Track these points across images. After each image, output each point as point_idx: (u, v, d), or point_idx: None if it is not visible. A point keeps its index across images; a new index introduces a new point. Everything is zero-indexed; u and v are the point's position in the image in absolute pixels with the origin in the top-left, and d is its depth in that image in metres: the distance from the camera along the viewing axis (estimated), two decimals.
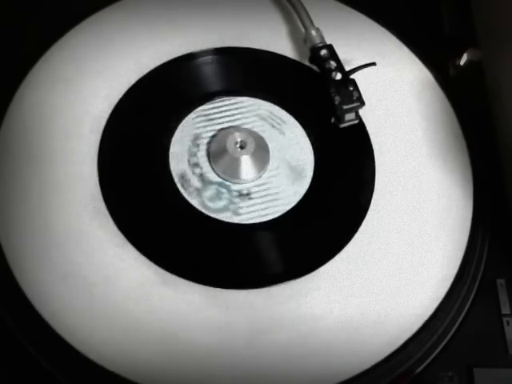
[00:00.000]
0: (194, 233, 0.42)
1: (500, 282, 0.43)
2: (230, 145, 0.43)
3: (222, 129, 0.45)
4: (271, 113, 0.46)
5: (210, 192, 0.43)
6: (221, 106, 0.46)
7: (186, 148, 0.44)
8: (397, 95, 0.47)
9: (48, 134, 0.43)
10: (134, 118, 0.45)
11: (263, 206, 0.43)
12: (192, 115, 0.45)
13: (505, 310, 0.42)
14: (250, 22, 0.49)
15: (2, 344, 0.38)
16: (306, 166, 0.45)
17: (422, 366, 0.40)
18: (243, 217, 0.42)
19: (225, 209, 0.42)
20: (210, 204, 0.42)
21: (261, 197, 0.43)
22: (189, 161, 0.44)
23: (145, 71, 0.46)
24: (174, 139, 0.44)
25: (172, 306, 0.39)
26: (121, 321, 0.38)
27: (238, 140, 0.44)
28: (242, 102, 0.46)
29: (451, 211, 0.44)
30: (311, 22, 0.47)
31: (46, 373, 0.38)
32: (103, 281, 0.39)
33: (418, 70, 0.49)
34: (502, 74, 0.48)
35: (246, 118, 0.46)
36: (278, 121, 0.46)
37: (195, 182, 0.43)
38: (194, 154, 0.44)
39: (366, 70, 0.45)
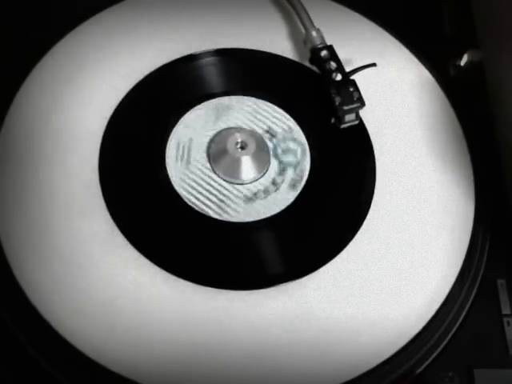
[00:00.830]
0: (195, 234, 0.42)
1: (500, 282, 0.43)
2: (230, 145, 0.43)
3: (222, 129, 0.45)
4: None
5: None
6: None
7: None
8: (397, 95, 0.47)
9: (49, 135, 0.43)
10: (134, 119, 0.45)
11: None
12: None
13: (505, 311, 0.42)
14: (251, 23, 0.49)
15: (2, 344, 0.38)
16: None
17: (423, 367, 0.40)
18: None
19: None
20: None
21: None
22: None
23: (145, 72, 0.46)
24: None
25: (172, 307, 0.39)
26: (121, 321, 0.38)
27: (239, 140, 0.44)
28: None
29: (451, 211, 0.44)
30: (311, 22, 0.47)
31: (46, 373, 0.38)
32: (103, 281, 0.39)
33: (418, 70, 0.49)
34: (503, 74, 0.48)
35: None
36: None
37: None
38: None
39: (366, 70, 0.45)
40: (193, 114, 0.45)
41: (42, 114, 0.44)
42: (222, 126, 0.45)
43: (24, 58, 0.45)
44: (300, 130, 0.46)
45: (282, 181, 0.44)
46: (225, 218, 0.42)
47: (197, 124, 0.45)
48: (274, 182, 0.44)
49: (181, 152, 0.44)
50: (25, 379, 0.38)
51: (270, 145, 0.45)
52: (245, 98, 0.46)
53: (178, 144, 0.44)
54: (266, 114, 0.46)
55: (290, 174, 0.44)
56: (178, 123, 0.45)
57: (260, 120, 0.46)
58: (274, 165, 0.44)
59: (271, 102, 0.46)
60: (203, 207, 0.42)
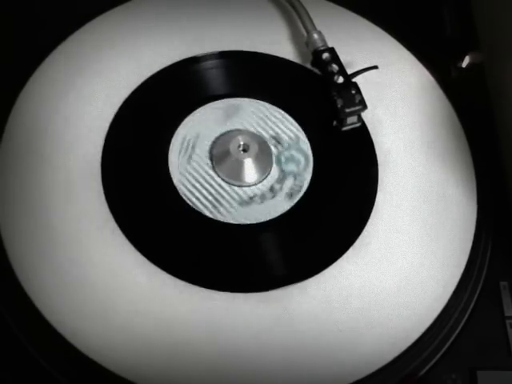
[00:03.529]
0: (196, 235, 0.42)
1: (503, 284, 0.43)
2: (233, 148, 0.43)
3: (224, 132, 0.45)
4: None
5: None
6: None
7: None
8: (398, 96, 0.47)
9: (51, 136, 0.43)
10: (136, 122, 0.45)
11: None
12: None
13: (508, 313, 0.42)
14: (252, 25, 0.49)
15: (2, 344, 0.39)
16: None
17: (425, 369, 0.40)
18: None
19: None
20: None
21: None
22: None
23: (147, 75, 0.46)
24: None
25: (173, 308, 0.39)
26: (121, 321, 0.38)
27: (241, 143, 0.44)
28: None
29: (453, 212, 0.43)
30: (313, 25, 0.47)
31: (47, 373, 0.38)
32: (103, 281, 0.39)
33: (419, 71, 0.49)
34: (504, 75, 0.48)
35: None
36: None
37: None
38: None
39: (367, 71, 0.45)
40: (194, 116, 0.45)
41: (45, 115, 0.44)
42: (226, 128, 0.45)
43: (25, 59, 0.46)
44: (300, 131, 0.46)
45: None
46: (226, 219, 0.42)
47: (199, 127, 0.45)
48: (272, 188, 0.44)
49: (182, 153, 0.44)
50: (25, 379, 0.38)
51: (275, 151, 0.45)
52: (246, 99, 0.46)
53: (181, 146, 0.44)
54: (267, 116, 0.46)
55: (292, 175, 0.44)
56: (179, 125, 0.45)
57: (264, 123, 0.46)
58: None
59: (272, 104, 0.46)
60: (204, 209, 0.42)
